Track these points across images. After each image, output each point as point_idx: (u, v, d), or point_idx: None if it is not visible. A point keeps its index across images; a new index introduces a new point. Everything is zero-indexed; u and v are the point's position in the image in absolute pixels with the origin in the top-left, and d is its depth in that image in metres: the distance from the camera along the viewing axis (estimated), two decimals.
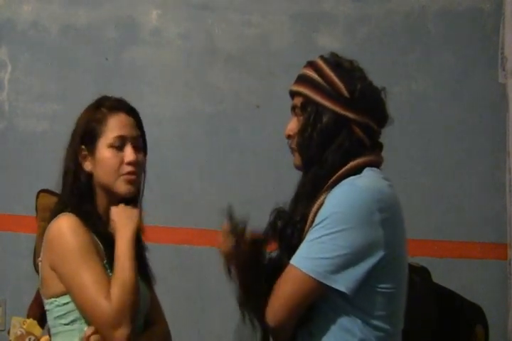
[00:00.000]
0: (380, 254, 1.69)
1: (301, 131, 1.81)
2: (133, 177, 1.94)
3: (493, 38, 3.40)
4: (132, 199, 2.00)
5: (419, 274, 1.88)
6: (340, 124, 1.78)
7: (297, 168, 1.87)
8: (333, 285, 1.67)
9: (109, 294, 1.78)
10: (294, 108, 1.87)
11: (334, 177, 1.76)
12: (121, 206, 1.94)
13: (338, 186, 1.74)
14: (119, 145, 1.94)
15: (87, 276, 1.80)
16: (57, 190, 2.03)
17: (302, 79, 1.85)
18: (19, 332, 3.05)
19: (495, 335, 2.82)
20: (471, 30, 3.45)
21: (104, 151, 1.93)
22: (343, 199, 1.70)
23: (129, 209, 1.93)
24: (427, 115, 3.46)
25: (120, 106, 1.99)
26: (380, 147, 1.87)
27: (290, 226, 1.80)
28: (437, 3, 3.49)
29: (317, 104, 1.79)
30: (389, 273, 1.73)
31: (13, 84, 3.71)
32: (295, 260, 1.71)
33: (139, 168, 1.97)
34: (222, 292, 3.62)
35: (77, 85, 3.63)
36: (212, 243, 3.59)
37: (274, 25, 3.58)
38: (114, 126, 1.95)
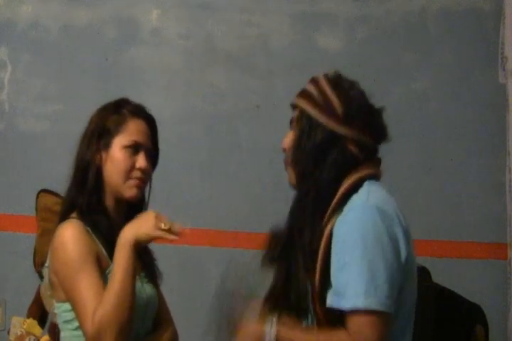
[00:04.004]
0: (404, 268, 1.71)
1: (295, 145, 1.82)
2: (140, 182, 1.96)
3: (493, 38, 3.41)
4: (138, 206, 2.01)
5: (419, 274, 1.87)
6: (333, 140, 1.79)
7: (292, 186, 1.85)
8: (391, 310, 1.66)
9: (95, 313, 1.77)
10: (291, 121, 1.88)
11: (338, 197, 1.75)
12: (136, 220, 1.89)
13: (349, 210, 1.71)
14: (133, 150, 1.95)
15: (80, 291, 1.80)
16: (58, 189, 2.03)
17: (302, 94, 1.87)
18: (19, 332, 3.05)
19: (495, 335, 2.82)
20: (471, 30, 3.45)
21: (117, 151, 1.95)
22: (367, 224, 1.68)
23: (139, 221, 1.87)
24: (427, 115, 3.47)
25: (141, 112, 2.01)
26: (378, 161, 1.86)
27: (300, 249, 1.76)
28: (437, 3, 3.50)
29: (311, 119, 1.80)
30: (405, 282, 1.74)
31: (13, 84, 3.71)
32: (354, 302, 1.64)
33: (147, 176, 1.99)
34: (222, 292, 3.61)
35: (77, 85, 3.63)
36: (212, 243, 3.62)
37: (274, 25, 3.58)
38: (133, 130, 1.96)
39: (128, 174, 1.94)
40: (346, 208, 1.73)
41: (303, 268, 1.75)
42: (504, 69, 3.37)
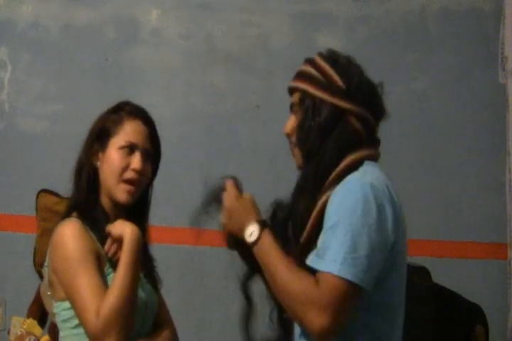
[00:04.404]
0: (389, 252, 1.69)
1: (300, 125, 1.82)
2: (132, 188, 1.95)
3: (493, 37, 3.41)
4: (136, 209, 2.01)
5: (419, 274, 1.86)
6: (337, 115, 1.79)
7: (300, 167, 1.85)
8: (367, 287, 1.65)
9: (98, 308, 1.77)
10: (292, 106, 1.88)
11: (335, 173, 1.76)
12: (120, 223, 1.91)
13: (344, 183, 1.73)
14: (128, 150, 1.96)
15: (81, 288, 1.80)
16: (58, 189, 2.03)
17: (300, 75, 1.87)
18: (19, 332, 3.05)
19: (495, 335, 2.82)
20: (471, 30, 3.46)
21: (113, 151, 1.95)
22: (358, 199, 1.68)
23: (130, 229, 1.90)
24: (427, 115, 3.47)
25: (138, 113, 2.01)
26: (377, 142, 1.87)
27: (293, 218, 1.79)
28: (437, 3, 3.50)
29: (314, 98, 1.81)
30: (391, 270, 1.73)
31: (13, 84, 3.71)
32: (330, 267, 1.64)
33: (142, 177, 1.98)
34: (223, 292, 3.62)
35: (77, 85, 3.63)
36: (212, 243, 3.61)
37: (274, 25, 3.58)
38: (129, 131, 1.97)
39: (121, 175, 1.94)
40: (341, 183, 1.73)
41: (294, 238, 1.77)
42: (504, 69, 3.37)
